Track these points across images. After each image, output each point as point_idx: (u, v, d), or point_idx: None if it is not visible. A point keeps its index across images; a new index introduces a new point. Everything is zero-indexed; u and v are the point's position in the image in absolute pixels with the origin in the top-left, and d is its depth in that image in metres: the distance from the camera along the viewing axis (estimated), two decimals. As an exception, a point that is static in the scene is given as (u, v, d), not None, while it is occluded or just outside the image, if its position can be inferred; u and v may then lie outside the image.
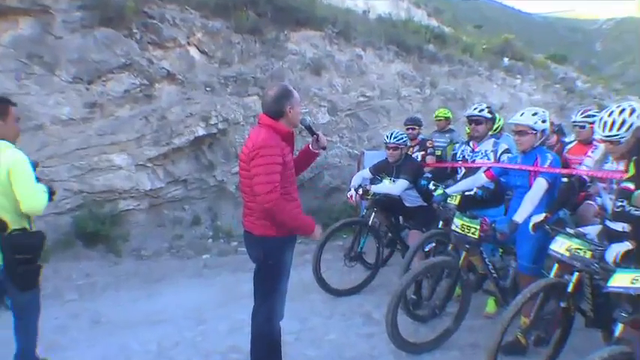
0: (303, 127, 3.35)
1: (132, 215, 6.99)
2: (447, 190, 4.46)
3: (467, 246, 3.93)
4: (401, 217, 5.97)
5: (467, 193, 4.60)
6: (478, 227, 3.83)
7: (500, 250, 4.41)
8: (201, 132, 7.53)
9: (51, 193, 3.13)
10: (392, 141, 5.18)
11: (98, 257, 6.33)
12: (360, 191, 5.29)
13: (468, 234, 3.87)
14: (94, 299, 4.99)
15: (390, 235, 5.79)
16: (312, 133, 3.30)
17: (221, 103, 7.77)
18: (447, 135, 7.45)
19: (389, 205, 5.51)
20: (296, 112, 3.08)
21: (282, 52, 8.84)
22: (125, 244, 6.63)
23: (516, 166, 4.04)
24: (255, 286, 3.22)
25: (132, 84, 6.93)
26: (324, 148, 3.37)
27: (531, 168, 3.89)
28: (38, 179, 3.06)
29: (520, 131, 3.91)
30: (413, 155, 6.36)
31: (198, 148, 7.70)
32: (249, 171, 2.95)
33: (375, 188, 5.30)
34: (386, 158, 5.43)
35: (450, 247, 4.19)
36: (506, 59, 15.35)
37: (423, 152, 6.57)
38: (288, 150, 3.06)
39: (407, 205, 5.47)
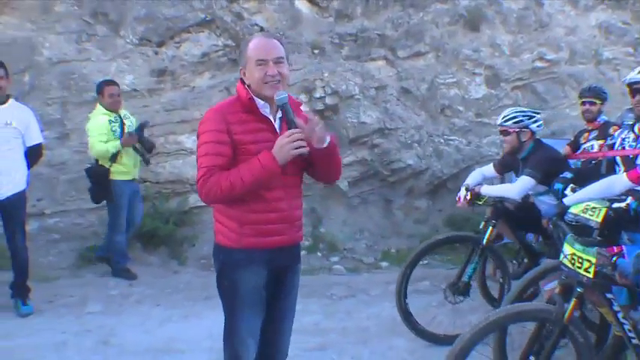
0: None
1: (206, 213, 7.14)
2: (566, 200, 3.76)
3: (578, 289, 3.11)
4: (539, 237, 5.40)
5: (615, 206, 3.72)
6: (593, 260, 2.99)
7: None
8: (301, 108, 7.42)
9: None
10: (499, 122, 4.88)
11: (158, 263, 6.66)
12: (468, 195, 4.88)
13: (580, 270, 3.07)
14: (120, 314, 5.18)
15: (525, 260, 5.19)
16: (288, 123, 2.59)
17: (331, 69, 7.62)
18: (644, 117, 6.21)
19: (519, 217, 4.94)
20: (253, 77, 2.62)
21: (424, 1, 8.40)
22: (191, 250, 6.82)
23: None
24: None
25: (213, 46, 7.15)
26: (324, 144, 2.64)
27: None
28: None
29: None
30: (586, 145, 5.72)
31: (296, 129, 7.62)
32: None
33: (485, 190, 4.85)
34: None
35: (557, 290, 3.37)
36: None
37: (601, 142, 5.56)
38: (252, 127, 2.63)
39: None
